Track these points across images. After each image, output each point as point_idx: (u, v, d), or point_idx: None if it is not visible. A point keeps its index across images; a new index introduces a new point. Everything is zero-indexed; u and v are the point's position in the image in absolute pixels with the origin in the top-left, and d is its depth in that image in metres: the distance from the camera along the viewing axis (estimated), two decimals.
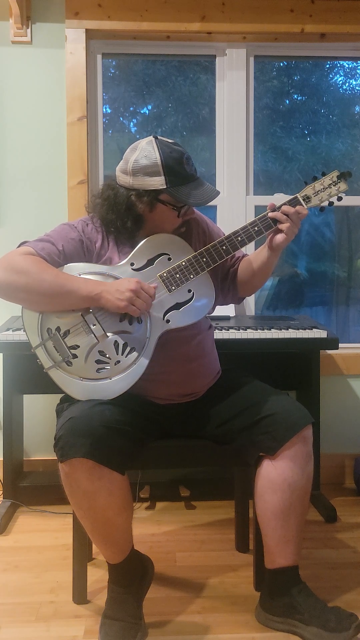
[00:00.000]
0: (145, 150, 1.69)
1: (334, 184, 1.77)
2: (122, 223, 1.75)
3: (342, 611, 1.68)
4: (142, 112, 3.04)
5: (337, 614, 1.66)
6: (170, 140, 1.73)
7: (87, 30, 2.70)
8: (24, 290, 1.66)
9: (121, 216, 1.74)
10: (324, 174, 1.78)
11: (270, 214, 1.74)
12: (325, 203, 1.78)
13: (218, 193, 1.72)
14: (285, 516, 1.70)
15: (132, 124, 3.04)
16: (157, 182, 1.68)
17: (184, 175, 1.69)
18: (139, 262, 1.74)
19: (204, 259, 1.74)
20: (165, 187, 1.67)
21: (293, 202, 1.76)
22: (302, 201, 1.76)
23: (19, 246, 1.75)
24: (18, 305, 1.73)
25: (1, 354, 2.51)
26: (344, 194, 1.81)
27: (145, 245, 1.74)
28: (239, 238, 1.75)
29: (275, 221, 1.74)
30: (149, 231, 1.77)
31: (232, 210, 2.85)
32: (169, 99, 2.99)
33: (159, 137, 1.72)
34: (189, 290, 1.74)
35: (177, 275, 1.73)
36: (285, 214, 1.72)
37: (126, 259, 1.74)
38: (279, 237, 1.74)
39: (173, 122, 3.01)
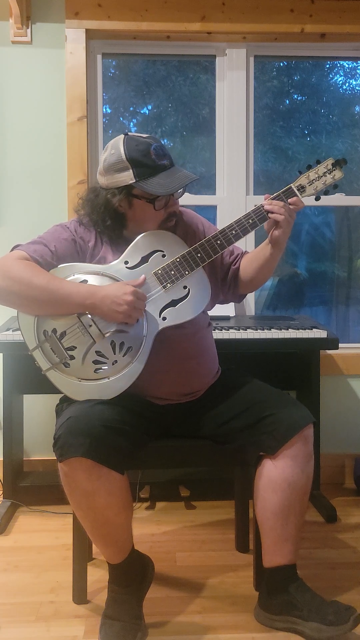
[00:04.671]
0: (114, 148, 1.70)
1: (329, 171, 1.75)
2: (103, 223, 1.75)
3: (340, 604, 1.68)
4: (142, 112, 3.04)
5: (335, 608, 1.66)
6: (143, 135, 1.73)
7: (87, 30, 2.70)
8: (17, 296, 1.66)
9: (101, 216, 1.75)
10: (318, 162, 1.76)
11: (265, 207, 1.73)
12: (321, 193, 1.77)
13: (192, 178, 1.69)
14: (285, 515, 1.70)
15: (132, 124, 3.04)
16: (126, 177, 1.68)
17: (152, 166, 1.68)
18: (133, 260, 1.73)
19: (199, 255, 1.73)
20: (133, 180, 1.67)
21: (287, 192, 1.74)
22: (296, 191, 1.74)
23: (12, 250, 1.75)
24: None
25: (1, 354, 2.51)
26: (343, 193, 1.80)
27: (139, 243, 1.74)
28: (234, 232, 1.74)
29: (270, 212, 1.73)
30: (134, 228, 1.77)
31: (232, 210, 2.84)
32: (169, 99, 2.99)
33: (129, 134, 1.72)
34: (185, 287, 1.73)
35: (172, 272, 1.72)
36: (279, 206, 1.71)
37: (120, 258, 1.74)
38: (276, 232, 1.73)
39: (173, 122, 3.01)
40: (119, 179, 1.69)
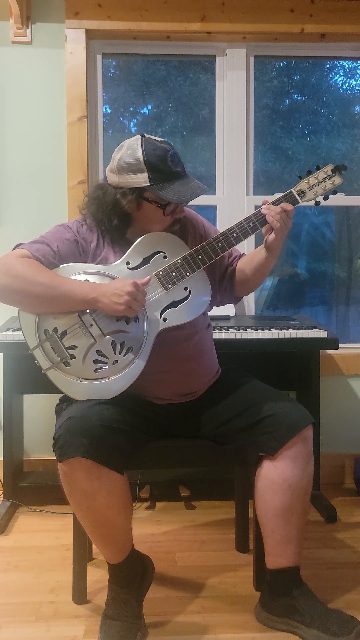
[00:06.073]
0: (130, 148, 1.70)
1: (328, 177, 1.76)
2: (109, 221, 1.75)
3: (343, 614, 1.67)
4: (142, 112, 3.04)
5: (339, 617, 1.65)
6: (159, 139, 1.73)
7: (87, 30, 2.70)
8: (19, 293, 1.66)
9: (108, 215, 1.75)
10: (318, 168, 1.77)
11: (262, 211, 1.73)
12: (320, 197, 1.77)
13: (204, 190, 1.71)
14: (286, 516, 1.70)
15: (132, 124, 3.04)
16: (141, 179, 1.68)
17: (168, 172, 1.68)
18: (134, 261, 1.74)
19: (200, 257, 1.74)
20: (148, 184, 1.67)
21: (287, 197, 1.75)
22: (296, 196, 1.75)
23: (14, 248, 1.75)
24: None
25: (1, 354, 2.51)
26: (343, 193, 1.80)
27: (140, 244, 1.74)
28: (234, 234, 1.74)
29: None
30: (138, 230, 1.77)
31: (232, 210, 2.85)
32: (169, 99, 2.98)
33: (146, 136, 1.72)
34: (186, 288, 1.74)
35: (173, 274, 1.73)
36: (275, 212, 1.71)
37: (122, 258, 1.74)
38: (270, 237, 1.73)
39: (173, 122, 3.01)
40: (132, 179, 1.69)
